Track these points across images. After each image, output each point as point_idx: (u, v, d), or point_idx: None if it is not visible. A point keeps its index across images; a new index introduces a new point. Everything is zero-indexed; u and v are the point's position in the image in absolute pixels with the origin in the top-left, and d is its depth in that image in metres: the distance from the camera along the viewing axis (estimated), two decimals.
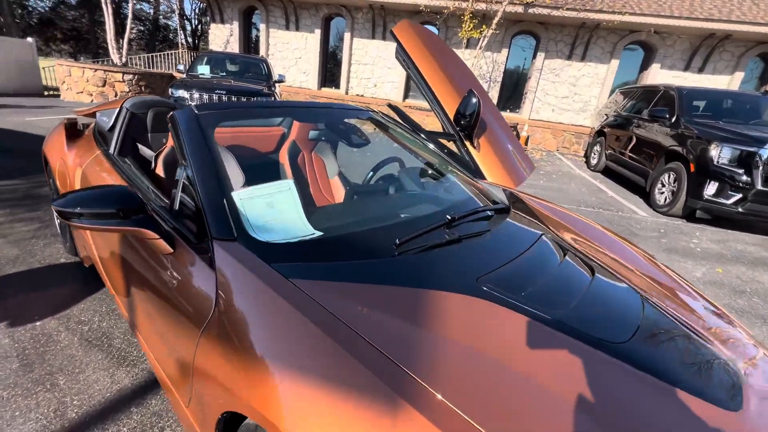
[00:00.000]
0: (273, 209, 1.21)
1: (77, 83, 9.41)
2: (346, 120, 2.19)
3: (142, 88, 9.93)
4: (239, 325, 0.86)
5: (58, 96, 9.95)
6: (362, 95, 12.19)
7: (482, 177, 2.13)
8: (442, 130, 2.32)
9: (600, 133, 7.72)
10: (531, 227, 1.50)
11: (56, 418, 1.39)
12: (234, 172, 1.73)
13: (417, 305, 0.91)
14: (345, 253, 1.10)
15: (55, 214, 0.95)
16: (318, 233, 1.17)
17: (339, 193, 2.26)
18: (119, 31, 10.39)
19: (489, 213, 1.49)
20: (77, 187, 1.88)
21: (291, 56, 12.60)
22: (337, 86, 12.64)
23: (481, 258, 1.18)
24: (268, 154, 2.37)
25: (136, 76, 9.75)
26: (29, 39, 10.94)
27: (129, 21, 10.66)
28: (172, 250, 1.11)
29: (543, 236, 1.41)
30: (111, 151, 1.81)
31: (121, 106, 1.92)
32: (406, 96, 12.14)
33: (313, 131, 2.20)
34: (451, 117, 2.22)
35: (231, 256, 0.97)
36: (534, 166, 2.43)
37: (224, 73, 7.23)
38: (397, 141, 2.10)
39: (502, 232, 1.37)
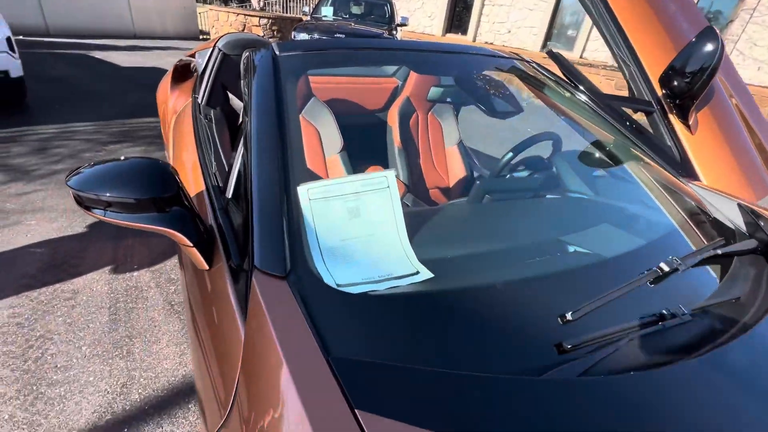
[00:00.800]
0: (357, 219, 0.74)
1: (223, 27, 10.22)
2: (484, 73, 1.56)
3: (274, 32, 10.30)
4: None
5: (209, 39, 11.03)
6: (492, 42, 10.68)
7: (693, 176, 1.33)
8: (629, 95, 1.52)
9: None
10: None
11: (121, 395, 1.29)
12: (330, 134, 1.32)
13: None
14: (465, 339, 0.59)
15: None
16: (424, 276, 0.68)
17: (455, 169, 1.74)
18: None
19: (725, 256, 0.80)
20: (170, 137, 1.72)
21: None
22: (464, 32, 11.30)
23: (757, 392, 0.55)
24: (375, 112, 1.91)
25: (270, 21, 10.12)
26: None
27: None
28: (208, 267, 0.75)
29: None
30: (199, 99, 1.56)
31: (214, 46, 1.64)
32: (544, 45, 10.22)
33: (435, 88, 1.64)
34: (654, 77, 1.40)
35: (268, 317, 0.55)
36: None
37: (347, 15, 6.86)
38: (554, 107, 1.41)
39: None
